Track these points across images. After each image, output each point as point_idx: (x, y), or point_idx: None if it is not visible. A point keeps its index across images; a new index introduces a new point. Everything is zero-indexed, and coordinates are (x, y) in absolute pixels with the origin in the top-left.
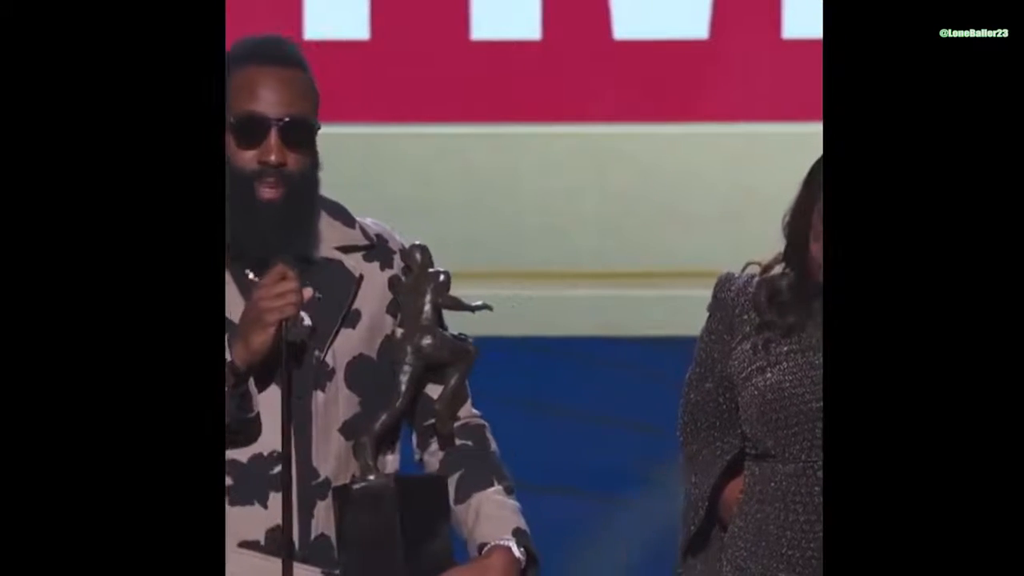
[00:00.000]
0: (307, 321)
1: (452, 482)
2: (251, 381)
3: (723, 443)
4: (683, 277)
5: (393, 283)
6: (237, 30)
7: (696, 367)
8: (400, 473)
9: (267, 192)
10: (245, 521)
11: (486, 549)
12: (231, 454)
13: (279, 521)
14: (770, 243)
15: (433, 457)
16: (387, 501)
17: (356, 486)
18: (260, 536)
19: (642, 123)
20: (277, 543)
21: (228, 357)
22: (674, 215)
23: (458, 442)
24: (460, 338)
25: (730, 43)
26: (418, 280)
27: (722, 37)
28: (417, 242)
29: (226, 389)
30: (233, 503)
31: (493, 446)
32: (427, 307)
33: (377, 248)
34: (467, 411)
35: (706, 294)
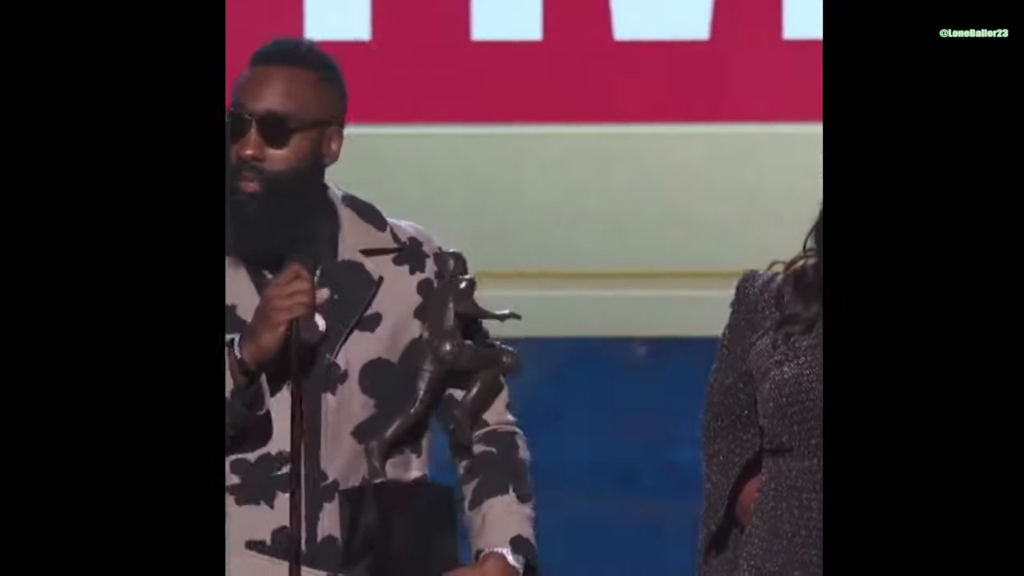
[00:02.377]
0: (322, 324)
1: (469, 489)
2: (263, 380)
3: (742, 442)
4: (683, 277)
5: (423, 287)
6: (237, 30)
7: (718, 364)
8: (387, 479)
9: (246, 185)
10: (252, 521)
11: (481, 556)
12: (240, 453)
13: (285, 522)
14: (771, 243)
15: (460, 464)
16: (368, 507)
17: (343, 491)
18: (267, 536)
19: (643, 123)
20: (283, 544)
21: (238, 355)
22: (674, 215)
23: (483, 449)
24: (495, 346)
25: (730, 43)
26: (446, 286)
27: (722, 37)
28: (452, 249)
29: (236, 387)
30: (240, 502)
31: (521, 453)
32: (450, 313)
33: (408, 251)
34: (498, 417)
35: (706, 294)
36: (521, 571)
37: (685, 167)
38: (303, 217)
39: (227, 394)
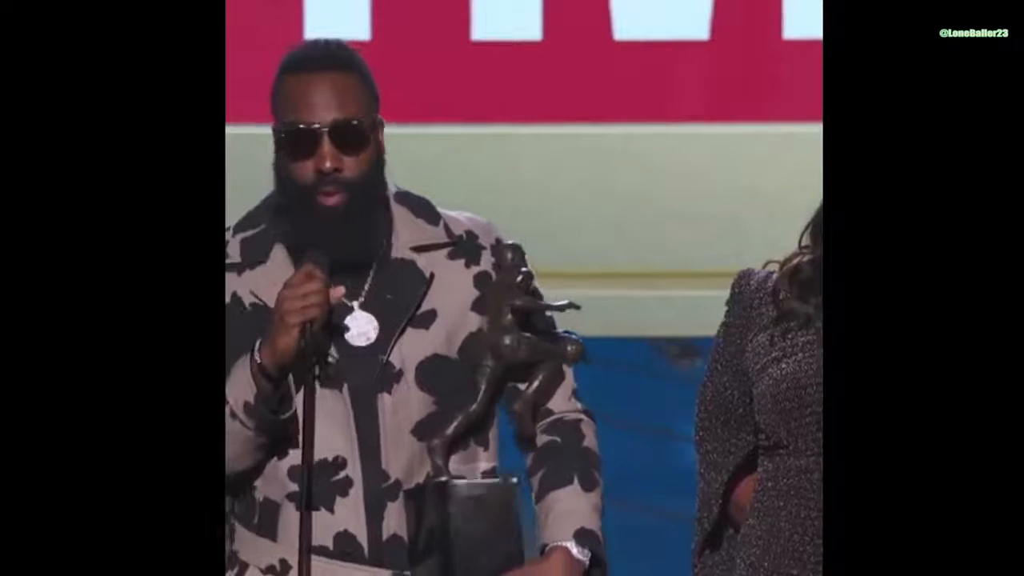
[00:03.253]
0: (374, 323)
1: (535, 481)
2: (291, 383)
3: (737, 440)
4: (683, 277)
5: (480, 280)
6: (237, 30)
7: (712, 363)
8: (450, 478)
9: (328, 199)
10: (313, 526)
11: (546, 551)
12: (293, 460)
13: (346, 527)
14: (771, 243)
15: (528, 456)
16: (432, 505)
17: (407, 490)
18: (328, 541)
19: (642, 123)
20: (345, 548)
21: (258, 360)
22: (674, 215)
23: (547, 439)
24: (560, 335)
25: (730, 43)
26: (503, 279)
27: (722, 37)
28: (510, 241)
29: (260, 392)
30: (300, 509)
31: (586, 441)
32: (507, 307)
33: (463, 244)
34: (563, 405)
35: (706, 294)
36: (587, 563)
37: (684, 167)
38: (379, 220)
39: (251, 400)
